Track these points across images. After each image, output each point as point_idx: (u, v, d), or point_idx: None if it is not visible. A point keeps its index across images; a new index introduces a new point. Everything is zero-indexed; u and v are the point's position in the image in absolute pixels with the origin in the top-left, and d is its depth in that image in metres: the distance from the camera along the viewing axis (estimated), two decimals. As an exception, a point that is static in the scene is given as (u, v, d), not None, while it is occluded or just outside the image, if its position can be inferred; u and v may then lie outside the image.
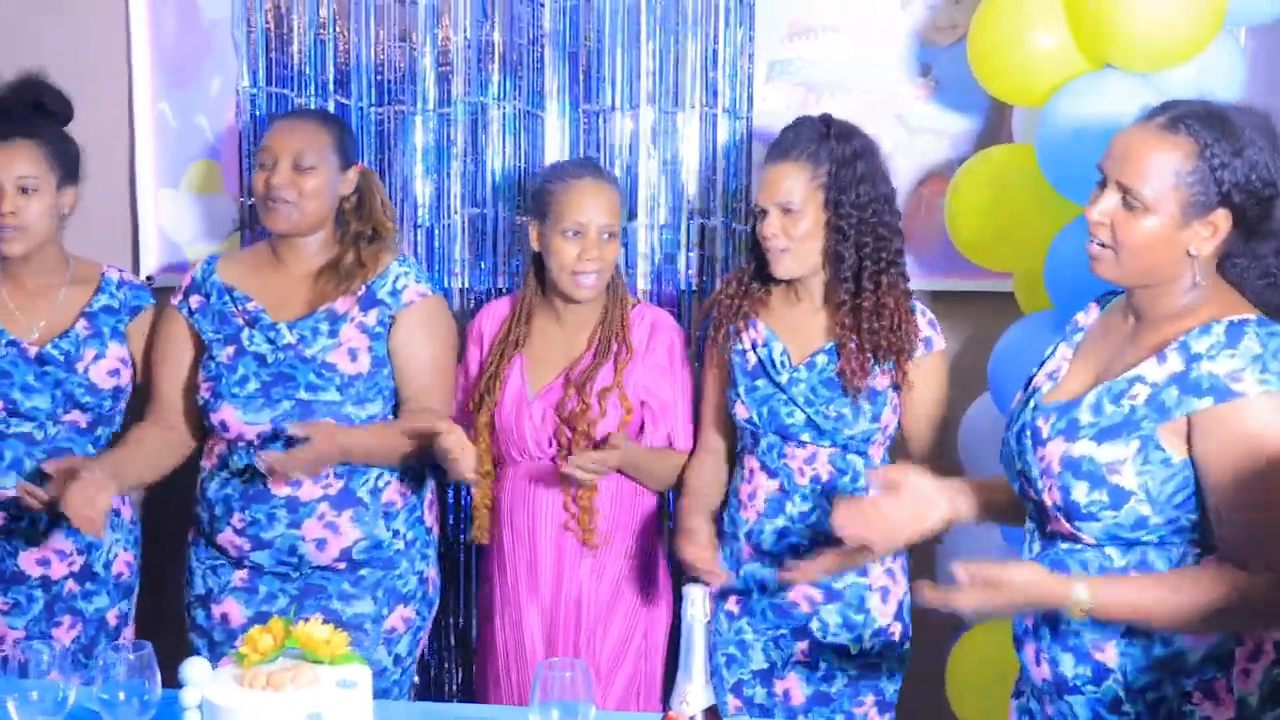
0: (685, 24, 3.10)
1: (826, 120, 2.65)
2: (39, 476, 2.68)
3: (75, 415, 2.78)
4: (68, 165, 2.78)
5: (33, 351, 2.75)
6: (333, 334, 2.72)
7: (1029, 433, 2.03)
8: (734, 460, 2.77)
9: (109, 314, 2.84)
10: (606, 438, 2.68)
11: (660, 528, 2.87)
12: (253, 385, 2.69)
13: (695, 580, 2.33)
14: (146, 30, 3.16)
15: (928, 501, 2.20)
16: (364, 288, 2.74)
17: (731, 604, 2.71)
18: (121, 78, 3.17)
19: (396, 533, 2.78)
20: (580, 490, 2.72)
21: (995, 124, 3.04)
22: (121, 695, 1.94)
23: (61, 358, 2.76)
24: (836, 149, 2.59)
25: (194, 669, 1.97)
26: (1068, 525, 1.98)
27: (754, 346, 2.68)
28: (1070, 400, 2.01)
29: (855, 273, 2.59)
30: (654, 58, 3.12)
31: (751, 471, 2.69)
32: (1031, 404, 2.07)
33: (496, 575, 2.85)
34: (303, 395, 2.69)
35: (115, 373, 2.82)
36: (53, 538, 2.79)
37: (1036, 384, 2.10)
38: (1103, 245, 1.98)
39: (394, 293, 2.75)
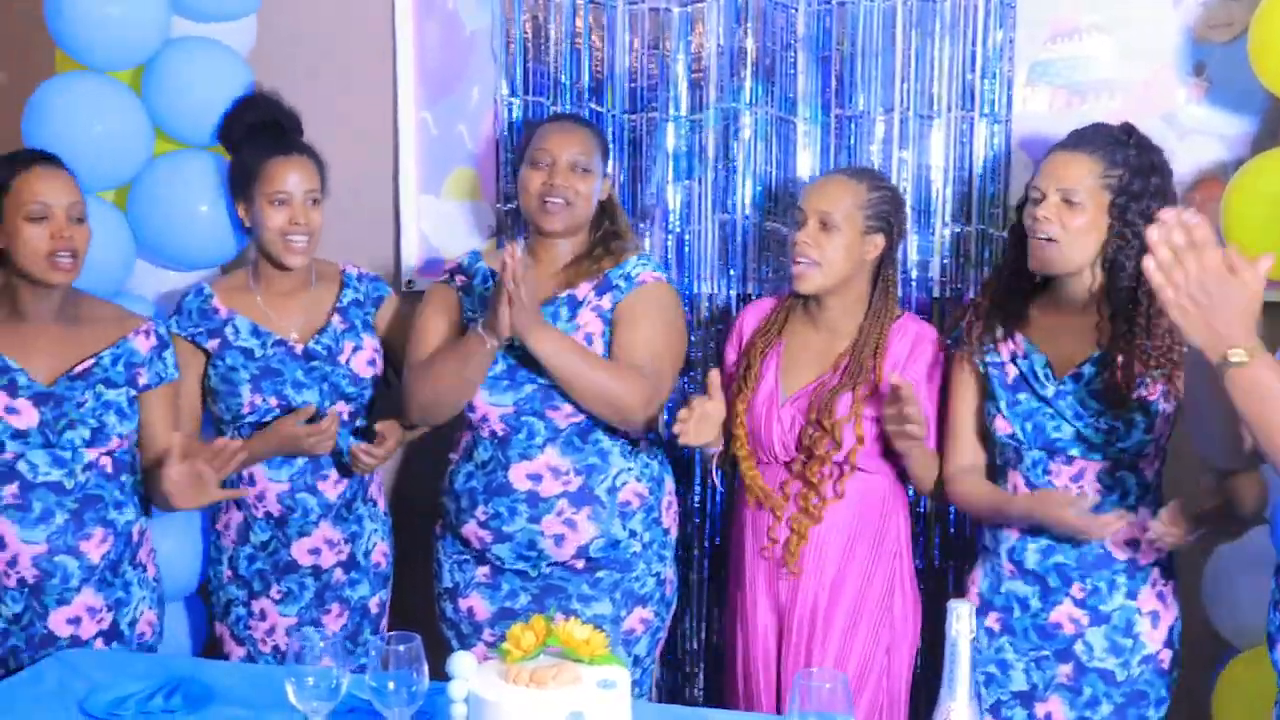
0: (942, 27, 3.04)
1: (1128, 129, 2.54)
2: (366, 433, 2.86)
3: (340, 406, 2.90)
4: (324, 183, 2.92)
5: (299, 349, 2.88)
6: (571, 318, 2.76)
7: None
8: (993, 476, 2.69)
9: (357, 307, 2.96)
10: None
11: (908, 544, 2.81)
12: (499, 367, 2.75)
13: (960, 597, 2.27)
14: (411, 43, 3.26)
15: None
16: (602, 276, 2.78)
17: (992, 621, 2.63)
18: (387, 89, 3.28)
19: (633, 533, 2.80)
20: (798, 514, 2.69)
21: (1275, 125, 2.88)
22: (391, 685, 1.98)
23: (325, 352, 2.89)
24: (1134, 158, 2.49)
25: (461, 662, 2.02)
26: None
27: (1013, 359, 2.59)
28: None
29: (1133, 284, 2.48)
30: (908, 61, 3.07)
31: (1014, 488, 2.61)
32: None
33: (734, 579, 2.85)
34: (544, 379, 2.73)
35: (372, 362, 2.94)
36: (322, 527, 2.91)
37: None
38: None
39: (627, 277, 2.79)
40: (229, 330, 2.88)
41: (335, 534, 2.93)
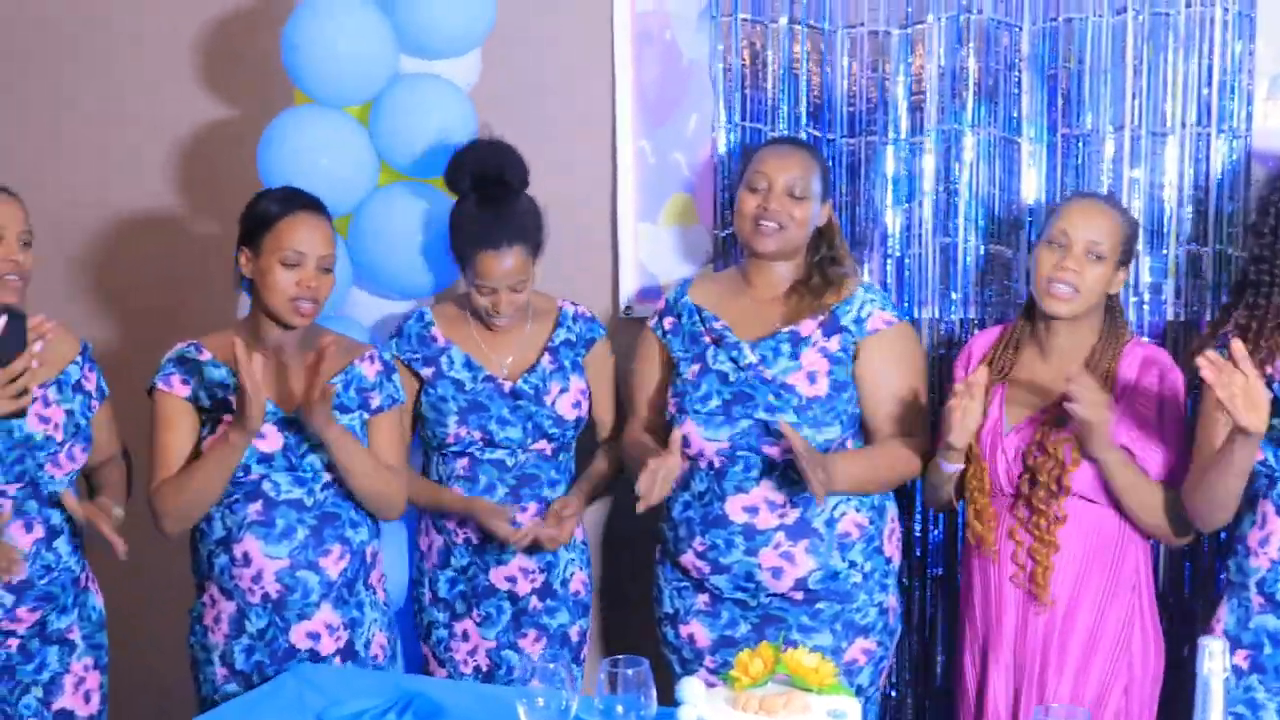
0: (1176, 40, 2.93)
1: None
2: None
3: (542, 444, 2.94)
4: (540, 248, 2.91)
5: (507, 387, 2.93)
6: (794, 356, 2.74)
7: None
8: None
9: (568, 348, 2.99)
10: None
11: (1148, 579, 2.70)
12: (714, 402, 2.75)
13: (1210, 633, 2.17)
14: (630, 73, 3.30)
15: None
16: (828, 313, 2.75)
17: (1240, 659, 2.50)
18: (606, 119, 3.32)
19: (853, 564, 2.76)
20: (1036, 544, 2.61)
21: None
22: (620, 709, 2.00)
23: (531, 392, 2.93)
24: None
25: (691, 689, 2.01)
26: None
27: (1270, 383, 2.47)
28: None
29: None
30: (1140, 77, 2.97)
31: (1264, 516, 2.48)
32: None
33: (964, 609, 2.78)
34: (761, 415, 2.72)
35: (577, 404, 2.97)
36: (518, 555, 2.95)
37: None
38: None
39: (858, 320, 2.76)
40: (444, 360, 2.95)
41: (530, 563, 2.96)
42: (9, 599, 2.56)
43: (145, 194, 3.74)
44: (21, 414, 2.22)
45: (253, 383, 2.52)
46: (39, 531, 2.60)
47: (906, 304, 3.15)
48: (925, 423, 2.82)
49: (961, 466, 2.68)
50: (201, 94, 3.67)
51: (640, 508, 2.69)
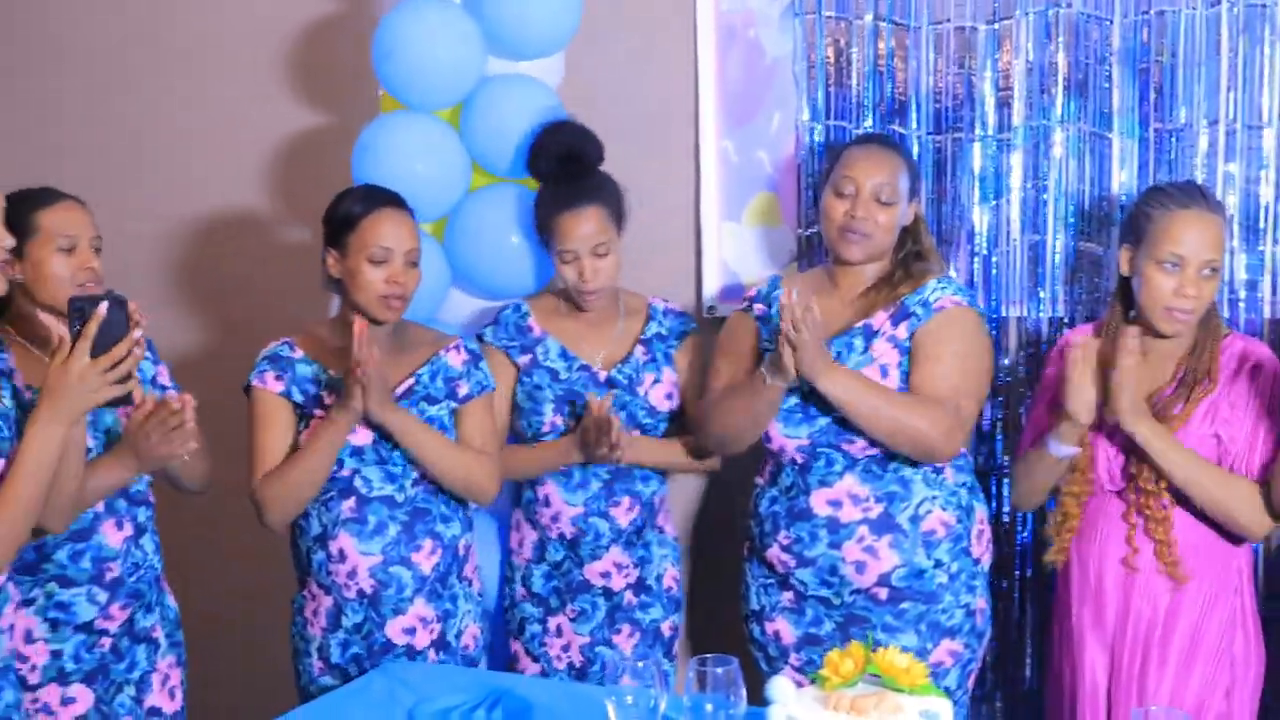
0: (1273, 32, 2.88)
1: None
2: None
3: (635, 435, 2.94)
4: (621, 218, 2.94)
5: (602, 376, 2.94)
6: (865, 350, 2.71)
7: None
8: None
9: (660, 340, 2.99)
10: None
11: (1250, 581, 2.65)
12: (792, 401, 2.73)
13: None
14: (713, 72, 3.30)
15: None
16: (899, 304, 2.73)
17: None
18: (689, 118, 3.33)
19: (939, 563, 2.73)
20: (1150, 522, 2.57)
21: None
22: (709, 707, 1.98)
23: (625, 381, 2.94)
24: None
25: (780, 688, 2.00)
26: None
27: None
28: None
29: None
30: (1235, 70, 2.92)
31: None
32: None
33: (1060, 608, 2.75)
34: (836, 412, 2.70)
35: (670, 396, 2.97)
36: (612, 551, 2.95)
37: None
38: None
39: (925, 304, 2.71)
40: (540, 349, 2.97)
41: (625, 558, 2.97)
42: (103, 596, 2.60)
43: (238, 201, 3.81)
44: (128, 400, 2.24)
45: (367, 352, 2.54)
46: (128, 529, 2.64)
47: (994, 303, 3.12)
48: (971, 408, 2.71)
49: (1076, 451, 2.62)
50: (291, 101, 3.73)
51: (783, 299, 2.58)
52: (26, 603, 2.54)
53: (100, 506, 2.58)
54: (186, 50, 3.83)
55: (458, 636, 2.83)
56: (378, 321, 2.72)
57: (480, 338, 2.98)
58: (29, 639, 2.54)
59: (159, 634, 2.74)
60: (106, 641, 2.63)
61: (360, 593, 2.74)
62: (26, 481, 2.12)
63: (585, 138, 2.95)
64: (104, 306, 2.10)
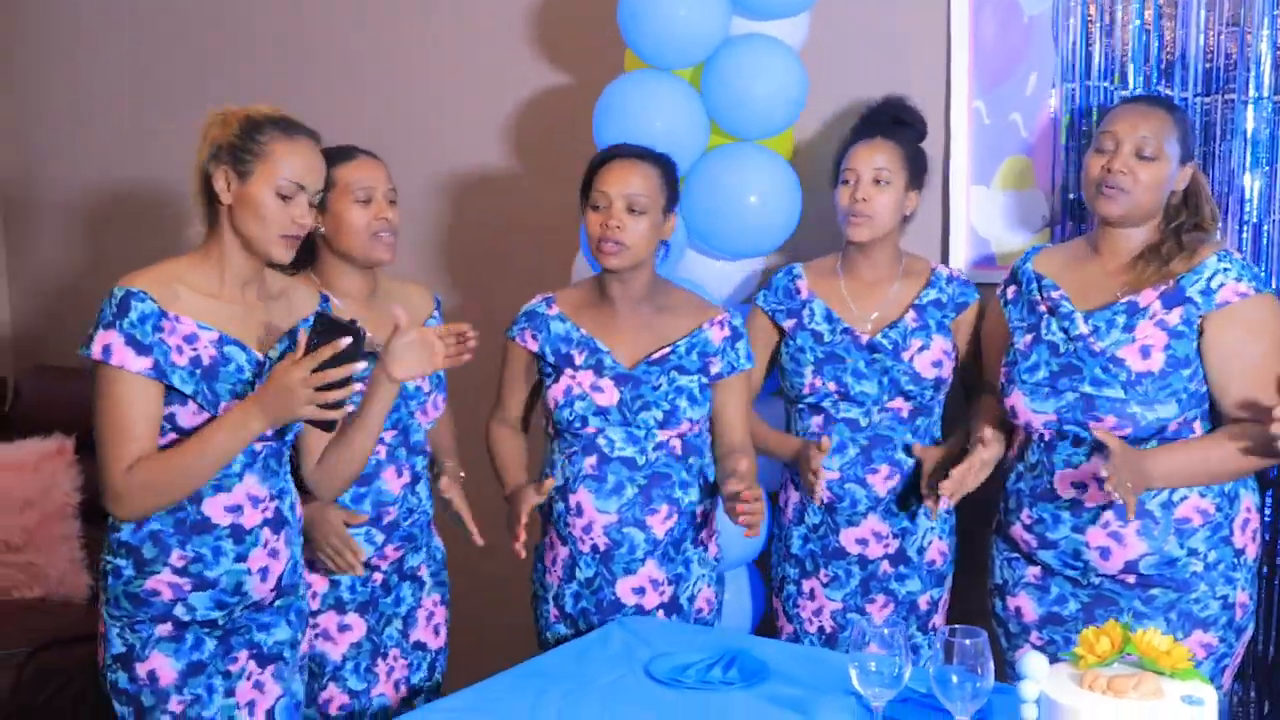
0: None
1: None
2: None
3: (899, 402, 2.91)
4: (916, 171, 2.94)
5: (864, 339, 2.91)
6: (1128, 328, 2.60)
7: None
8: None
9: (936, 308, 2.94)
10: None
11: None
12: (1041, 373, 2.65)
13: None
14: (967, 31, 3.20)
15: None
16: (1173, 283, 2.60)
17: None
18: (940, 79, 3.23)
19: (1194, 552, 2.60)
20: None
21: None
22: (955, 679, 1.96)
23: (890, 346, 2.90)
24: None
25: (1034, 663, 1.95)
26: None
27: None
28: None
29: None
30: None
31: None
32: None
33: None
34: (1087, 389, 2.60)
35: (938, 364, 2.91)
36: (870, 519, 2.93)
37: None
38: None
39: (1206, 291, 2.58)
40: (806, 312, 2.97)
41: (883, 526, 2.94)
42: (380, 537, 2.73)
43: (483, 158, 3.89)
44: (330, 427, 2.29)
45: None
46: (406, 477, 2.76)
47: (1265, 274, 2.94)
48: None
49: None
50: (538, 60, 3.78)
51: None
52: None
53: (383, 454, 2.70)
54: (441, 10, 3.92)
55: (690, 600, 2.85)
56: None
57: (754, 301, 3.04)
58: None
59: (424, 573, 2.85)
60: (379, 577, 2.76)
61: (594, 548, 2.79)
62: (188, 456, 2.23)
63: (903, 109, 3.03)
64: (345, 341, 2.19)
